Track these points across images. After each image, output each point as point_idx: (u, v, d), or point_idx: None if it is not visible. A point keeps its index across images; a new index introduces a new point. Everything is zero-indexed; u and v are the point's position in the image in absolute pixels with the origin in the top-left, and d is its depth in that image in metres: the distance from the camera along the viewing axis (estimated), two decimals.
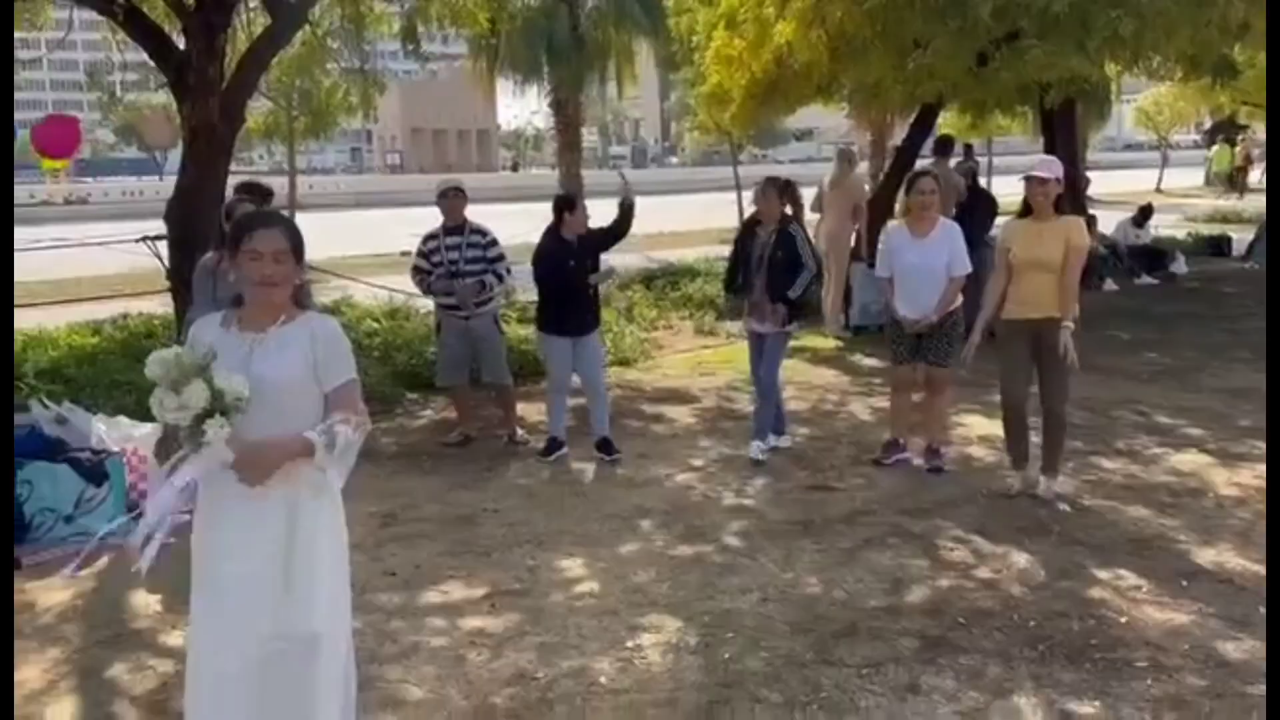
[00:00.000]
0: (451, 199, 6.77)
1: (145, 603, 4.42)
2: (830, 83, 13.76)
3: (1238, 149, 31.00)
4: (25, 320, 10.34)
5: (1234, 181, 30.02)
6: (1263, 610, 4.12)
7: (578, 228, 6.49)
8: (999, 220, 8.88)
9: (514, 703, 3.60)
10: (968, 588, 4.43)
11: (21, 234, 19.19)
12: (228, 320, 2.95)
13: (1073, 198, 15.88)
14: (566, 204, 6.58)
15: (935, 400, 6.17)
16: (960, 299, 6.00)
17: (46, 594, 4.62)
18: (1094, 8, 10.44)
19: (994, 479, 5.82)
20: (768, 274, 6.19)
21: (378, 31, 10.55)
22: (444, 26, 10.04)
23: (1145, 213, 14.91)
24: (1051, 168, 5.40)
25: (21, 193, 33.85)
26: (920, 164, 11.62)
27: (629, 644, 4.01)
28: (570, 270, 6.43)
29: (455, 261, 6.73)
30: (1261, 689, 3.53)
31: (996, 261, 5.62)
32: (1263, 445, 6.22)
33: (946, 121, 27.50)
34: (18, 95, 11.38)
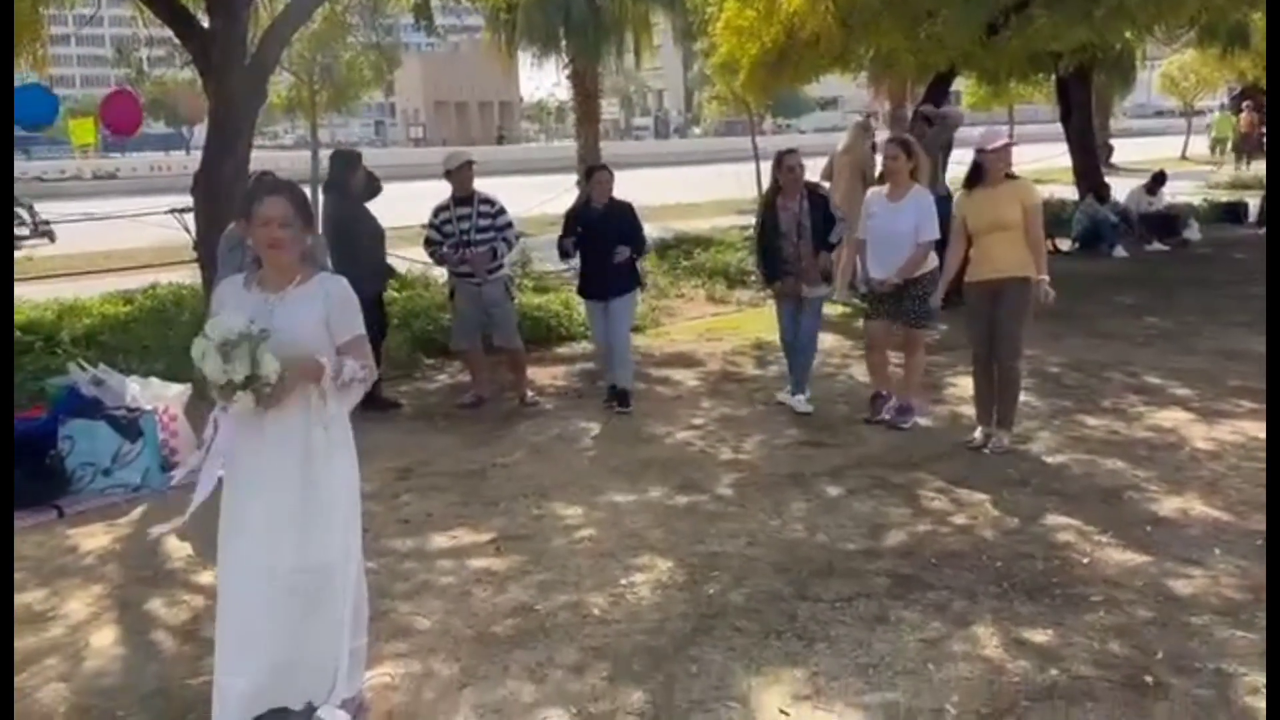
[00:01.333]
0: (459, 173, 7.05)
1: (179, 546, 4.76)
2: (843, 52, 13.94)
3: (1241, 115, 29.53)
4: (62, 290, 10.77)
5: (1239, 150, 28.88)
6: (1218, 551, 4.40)
7: (599, 196, 6.85)
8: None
9: (514, 631, 3.93)
10: (942, 533, 4.72)
11: (52, 208, 19.67)
12: (249, 281, 3.27)
13: (1087, 164, 16.07)
14: (587, 173, 7.00)
15: (909, 359, 6.45)
16: (936, 262, 6.25)
17: (88, 539, 5.00)
18: None
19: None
20: (812, 239, 6.48)
21: (397, 6, 10.80)
22: (459, 1, 10.26)
23: (1158, 180, 14.98)
24: (999, 137, 5.80)
25: (51, 168, 34.46)
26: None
27: (622, 581, 4.33)
28: (592, 237, 6.80)
29: (466, 231, 7.03)
30: (1205, 619, 3.82)
31: (954, 230, 5.91)
32: (1248, 403, 6.46)
33: (966, 90, 27.56)
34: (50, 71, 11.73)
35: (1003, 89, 22.71)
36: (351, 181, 6.99)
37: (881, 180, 6.55)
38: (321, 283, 3.26)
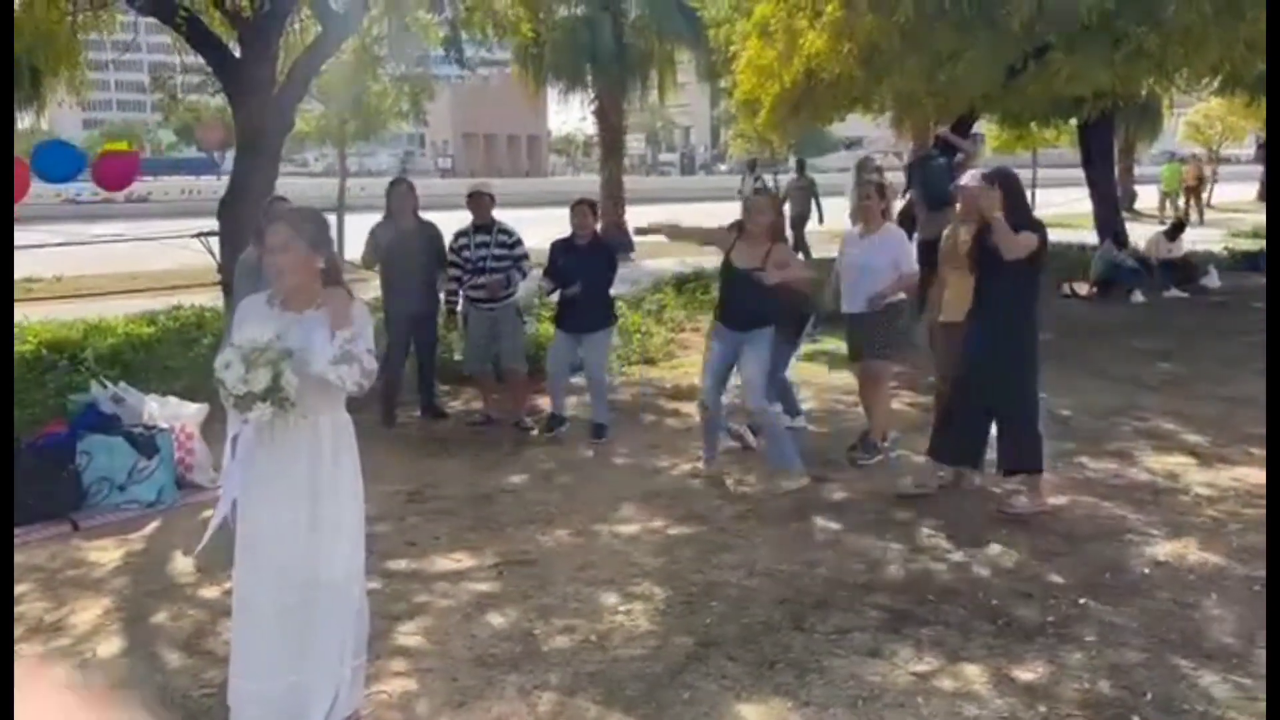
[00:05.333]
0: (479, 200, 7.24)
1: (188, 562, 4.86)
2: (864, 93, 14.10)
3: (1187, 166, 28.01)
4: (87, 310, 10.98)
5: (1186, 203, 27.19)
6: (1214, 595, 4.42)
7: (581, 231, 6.98)
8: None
9: (511, 654, 3.99)
10: (939, 569, 4.76)
11: (83, 229, 19.97)
12: (272, 300, 3.38)
13: (1108, 209, 16.08)
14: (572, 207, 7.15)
15: (871, 393, 6.51)
16: (902, 295, 6.34)
17: (100, 552, 5.10)
18: (1119, 23, 10.66)
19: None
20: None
21: (426, 41, 11.04)
22: (487, 35, 10.48)
23: (1178, 227, 15.02)
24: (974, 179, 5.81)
25: (86, 189, 34.96)
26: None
27: (621, 609, 4.39)
28: (571, 271, 6.94)
29: (484, 258, 7.19)
30: (1196, 663, 3.84)
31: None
32: (1255, 450, 6.46)
33: (989, 133, 27.63)
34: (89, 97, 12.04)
35: (1026, 133, 22.86)
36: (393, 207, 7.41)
37: (904, 222, 6.68)
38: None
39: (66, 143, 10.58)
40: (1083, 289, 13.79)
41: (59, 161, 8.91)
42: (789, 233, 10.64)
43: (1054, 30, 11.02)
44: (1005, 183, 5.36)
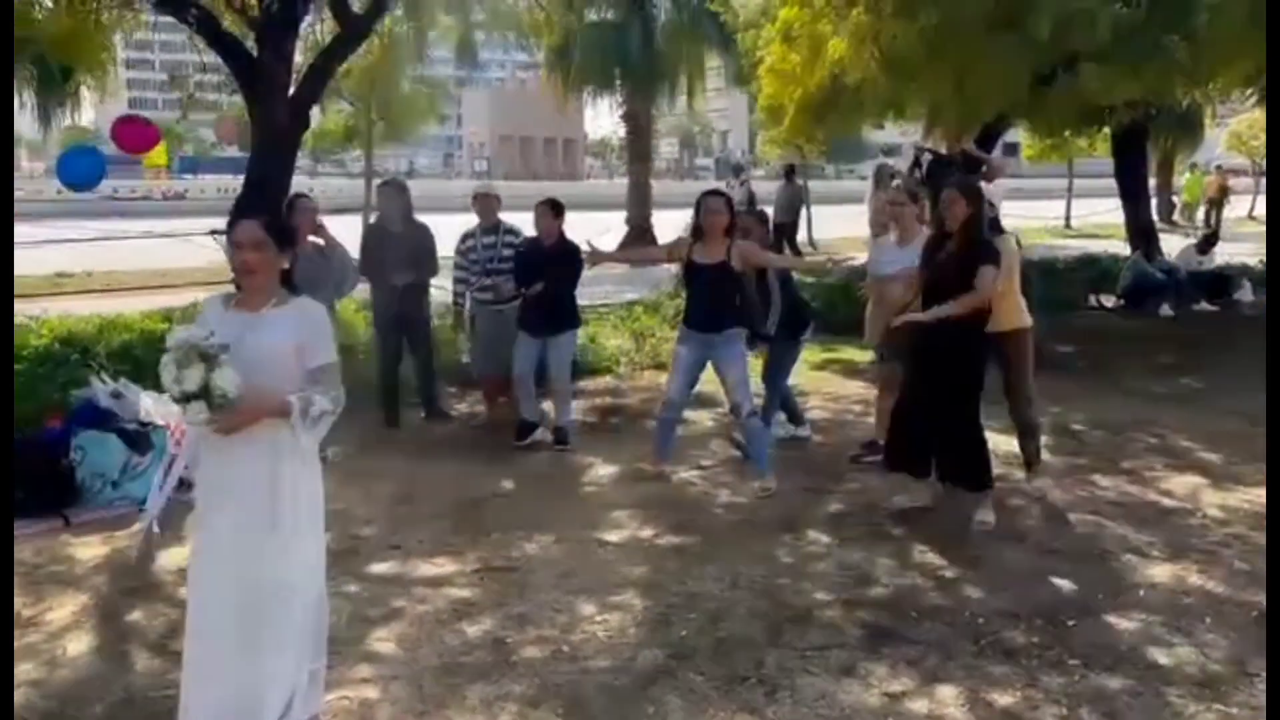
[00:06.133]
0: (485, 200, 7.19)
1: (168, 561, 4.85)
2: (892, 101, 13.94)
3: (1209, 177, 26.91)
4: (106, 306, 11.07)
5: (1207, 215, 26.17)
6: (1209, 620, 4.27)
7: (545, 234, 6.92)
8: None
9: (479, 662, 3.93)
10: (928, 586, 4.64)
11: (123, 225, 20.22)
12: (228, 301, 3.36)
13: (1140, 220, 15.79)
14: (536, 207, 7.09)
15: (886, 398, 6.33)
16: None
17: (85, 549, 5.10)
18: (1149, 32, 10.45)
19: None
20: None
21: (443, 43, 11.05)
22: (505, 40, 10.48)
23: (1210, 240, 14.73)
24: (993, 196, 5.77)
25: (124, 186, 35.51)
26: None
27: (597, 618, 4.32)
28: (535, 273, 6.87)
29: (491, 259, 7.17)
30: (1181, 690, 3.71)
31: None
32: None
33: (1025, 142, 27.24)
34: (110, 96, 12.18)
35: (1061, 142, 22.52)
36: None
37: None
38: (297, 306, 3.33)
39: (90, 149, 10.70)
40: (1110, 301, 13.54)
41: (82, 171, 9.03)
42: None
43: (1082, 40, 10.84)
44: (967, 196, 5.28)
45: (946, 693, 3.70)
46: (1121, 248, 16.52)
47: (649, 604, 4.45)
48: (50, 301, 12.72)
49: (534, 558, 5.00)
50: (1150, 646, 4.04)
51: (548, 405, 7.25)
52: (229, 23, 8.54)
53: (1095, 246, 18.94)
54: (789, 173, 18.79)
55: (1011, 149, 42.40)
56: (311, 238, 6.53)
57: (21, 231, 17.77)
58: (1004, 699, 3.65)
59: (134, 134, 9.35)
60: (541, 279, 6.83)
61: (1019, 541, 5.20)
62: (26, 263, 16.21)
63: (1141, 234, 15.52)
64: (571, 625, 4.25)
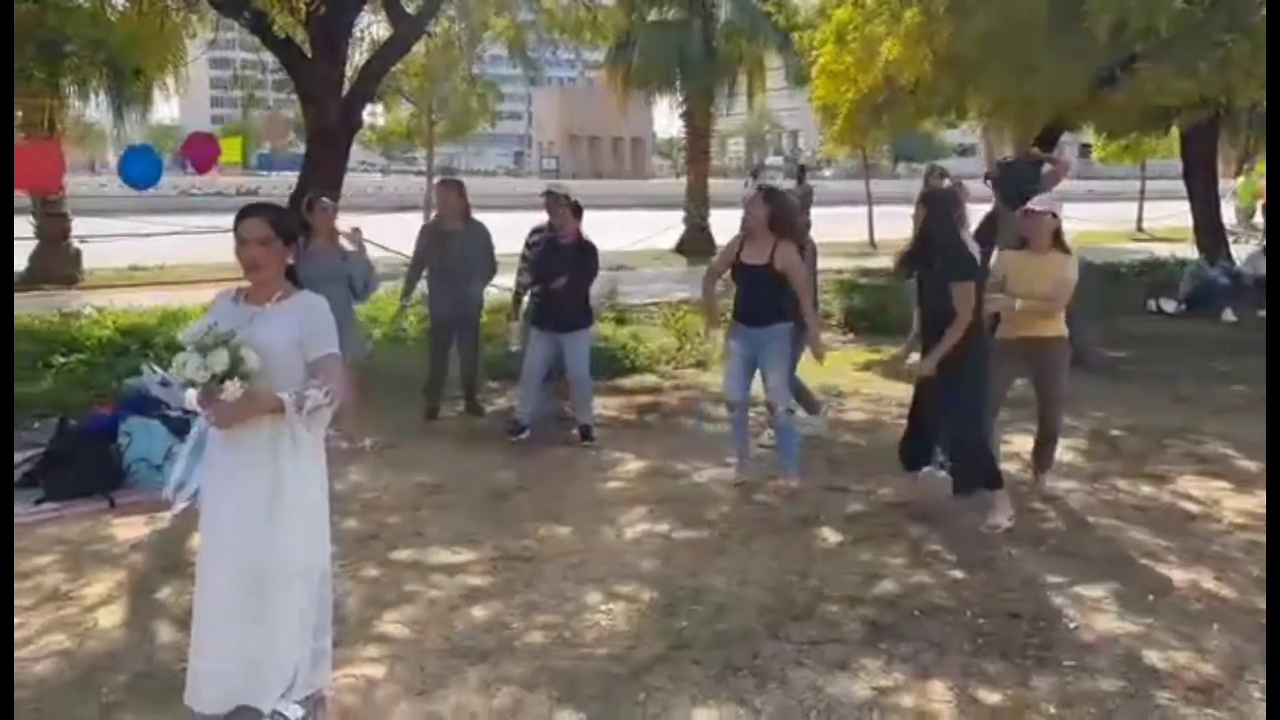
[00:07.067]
0: (551, 201, 7.33)
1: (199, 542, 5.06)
2: (949, 101, 13.84)
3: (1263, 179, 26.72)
4: (174, 298, 11.48)
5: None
6: (1216, 627, 4.24)
7: (565, 231, 7.04)
8: None
9: (483, 647, 4.06)
10: (933, 586, 4.67)
11: (188, 221, 20.86)
12: (238, 295, 3.53)
13: (1208, 223, 15.43)
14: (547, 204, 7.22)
15: None
16: None
17: (127, 529, 5.35)
18: (1207, 30, 10.26)
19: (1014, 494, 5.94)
20: None
21: (495, 42, 11.24)
22: (555, 40, 10.64)
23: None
24: (1043, 204, 5.74)
25: (201, 183, 36.58)
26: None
27: (602, 607, 4.43)
28: (549, 269, 6.98)
29: None
30: (1175, 695, 3.70)
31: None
32: None
33: (1096, 144, 26.67)
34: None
35: (1131, 143, 22.03)
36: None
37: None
38: (301, 300, 3.49)
39: (149, 150, 11.12)
40: (1170, 305, 13.28)
41: (141, 170, 9.42)
42: None
43: (1140, 39, 10.67)
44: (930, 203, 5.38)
45: (936, 688, 3.74)
46: (1191, 251, 16.17)
47: (655, 596, 4.54)
48: (121, 294, 13.21)
49: (549, 548, 5.13)
50: (1150, 650, 4.03)
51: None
52: (282, 24, 8.82)
53: (1165, 250, 18.56)
54: (800, 173, 18.70)
55: (1084, 150, 41.59)
56: (343, 238, 6.76)
57: (100, 226, 18.48)
58: (993, 697, 3.68)
59: (200, 151, 9.79)
60: (556, 275, 6.94)
61: (1035, 544, 5.18)
62: (103, 256, 16.89)
63: (1210, 237, 15.16)
64: (576, 613, 4.36)
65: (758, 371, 6.16)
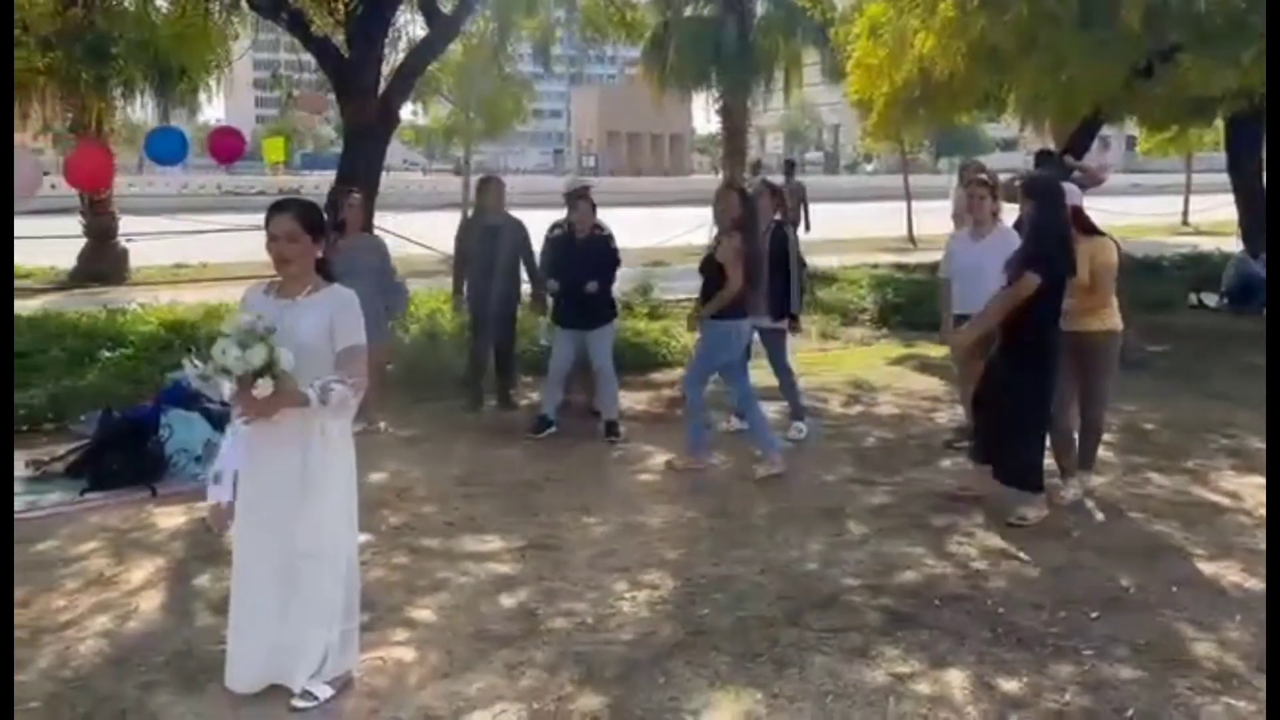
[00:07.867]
0: (574, 195, 7.42)
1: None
2: (986, 95, 13.76)
3: None
4: (215, 295, 11.71)
5: None
6: (1239, 618, 4.24)
7: (580, 225, 7.10)
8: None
9: (508, 631, 4.16)
10: (956, 576, 4.70)
11: (231, 219, 21.23)
12: (269, 288, 3.65)
13: (1253, 216, 15.22)
14: (568, 201, 7.31)
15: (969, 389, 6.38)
16: None
17: (167, 518, 5.52)
18: (1249, 19, 10.13)
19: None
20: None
21: (526, 41, 11.36)
22: (585, 39, 10.73)
23: None
24: (1071, 196, 5.64)
25: (244, 183, 37.25)
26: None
27: (626, 595, 4.51)
28: (570, 266, 7.06)
29: None
30: (1193, 683, 3.71)
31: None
32: None
33: (1141, 136, 26.33)
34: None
35: (1175, 135, 21.76)
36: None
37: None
38: (331, 293, 3.60)
39: (176, 130, 11.37)
40: (1211, 300, 13.12)
41: (167, 146, 9.63)
42: None
43: (1178, 30, 10.56)
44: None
45: (954, 676, 3.78)
46: (1236, 245, 15.95)
47: (678, 584, 4.62)
48: (166, 290, 13.51)
49: (576, 537, 5.22)
50: (1170, 640, 4.04)
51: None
52: (321, 24, 8.98)
53: (1210, 244, 18.32)
54: (789, 169, 18.57)
55: (1131, 142, 41.03)
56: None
57: (146, 224, 18.83)
58: (1009, 684, 3.71)
59: (223, 144, 9.99)
60: (572, 271, 7.03)
61: (1061, 536, 5.19)
62: (149, 254, 17.25)
63: (1254, 231, 14.94)
64: (601, 601, 4.45)
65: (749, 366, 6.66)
